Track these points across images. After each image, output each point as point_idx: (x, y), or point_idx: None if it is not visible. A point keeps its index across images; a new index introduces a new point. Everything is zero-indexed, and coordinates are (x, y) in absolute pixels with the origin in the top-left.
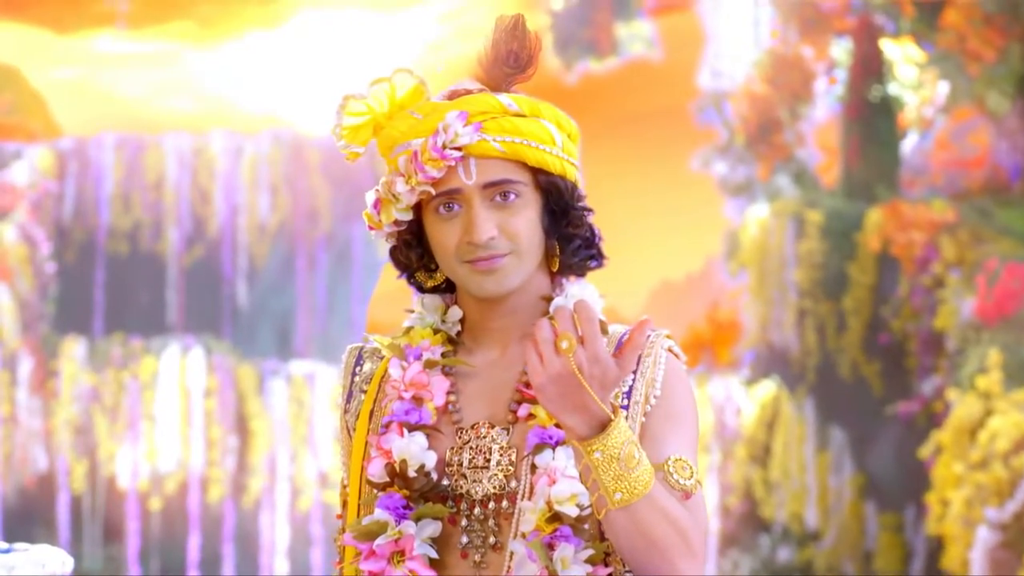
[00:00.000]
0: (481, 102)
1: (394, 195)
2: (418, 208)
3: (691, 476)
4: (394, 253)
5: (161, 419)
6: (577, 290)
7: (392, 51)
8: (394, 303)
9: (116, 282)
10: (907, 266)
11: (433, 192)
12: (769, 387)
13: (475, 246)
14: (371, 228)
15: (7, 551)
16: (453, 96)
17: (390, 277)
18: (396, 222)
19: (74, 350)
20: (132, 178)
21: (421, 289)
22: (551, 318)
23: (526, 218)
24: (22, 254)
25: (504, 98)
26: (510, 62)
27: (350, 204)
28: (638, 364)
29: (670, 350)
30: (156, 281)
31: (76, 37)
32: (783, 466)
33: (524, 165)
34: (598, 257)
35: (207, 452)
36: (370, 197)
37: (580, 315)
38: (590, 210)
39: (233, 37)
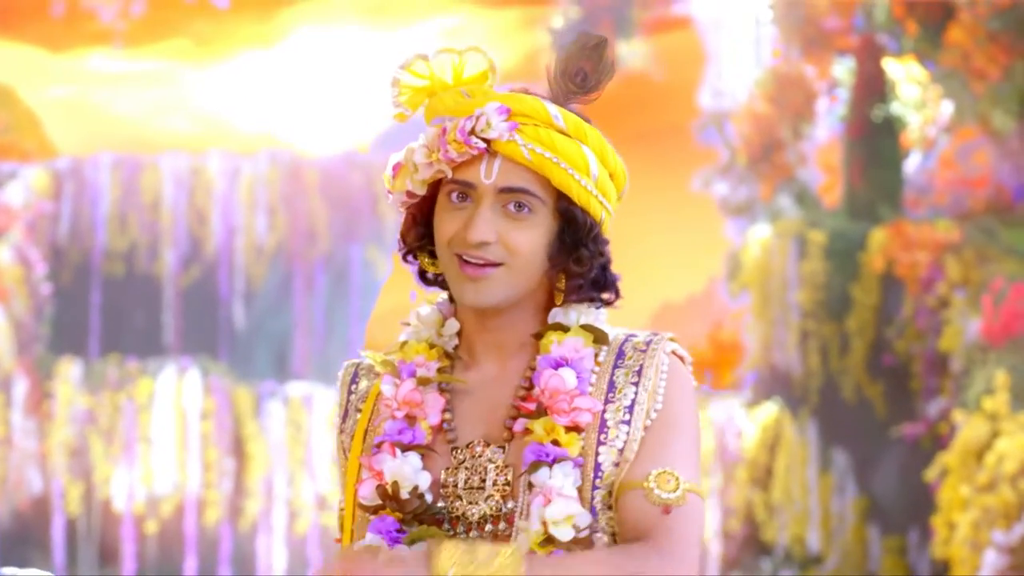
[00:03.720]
0: (528, 105)
1: (414, 164)
2: (435, 190)
3: (676, 488)
4: (402, 230)
5: (157, 441)
6: (577, 304)
7: (390, 69)
8: (392, 324)
9: (112, 303)
10: (911, 287)
11: (450, 174)
12: (771, 409)
13: (467, 243)
14: (389, 192)
15: None
16: (512, 91)
17: (388, 298)
18: (409, 193)
19: (70, 372)
20: (128, 199)
21: (423, 276)
22: None
23: (532, 236)
24: (17, 275)
25: (554, 110)
26: (577, 80)
27: (348, 225)
28: (640, 375)
29: (674, 353)
30: (152, 302)
31: (71, 56)
32: (785, 489)
33: (549, 184)
34: (600, 301)
35: (203, 475)
36: (393, 159)
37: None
38: (603, 254)
39: (229, 56)
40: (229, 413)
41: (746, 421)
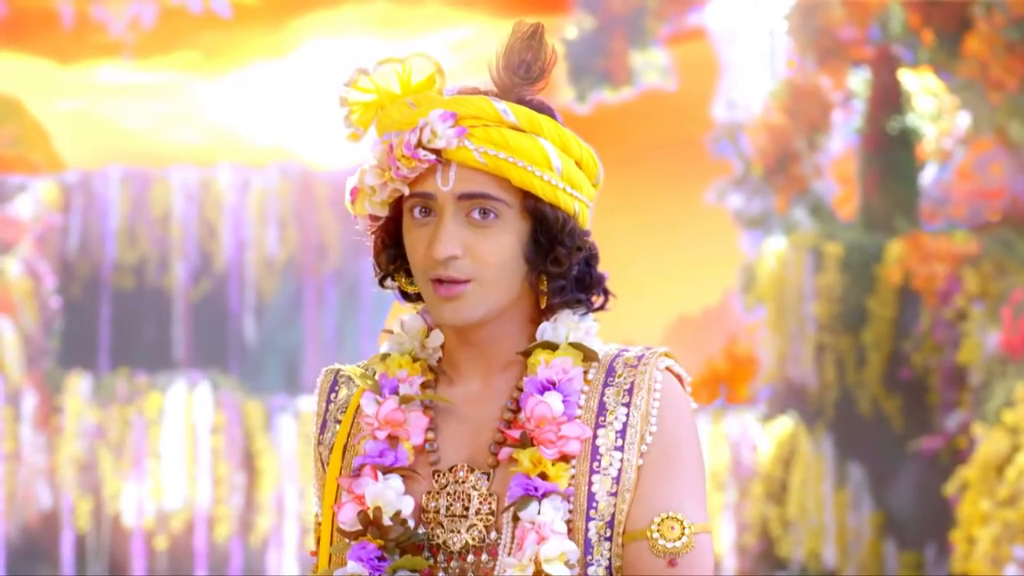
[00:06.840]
0: (475, 106)
1: (369, 186)
2: (399, 208)
3: (681, 534)
4: (374, 253)
5: (167, 456)
6: (567, 317)
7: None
8: None
9: (122, 317)
10: (928, 299)
11: (407, 191)
12: (786, 423)
13: (436, 262)
14: (355, 217)
15: None
16: (460, 93)
17: (400, 312)
18: (372, 216)
19: (79, 386)
20: (138, 212)
21: (404, 295)
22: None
23: (500, 243)
24: (26, 288)
25: (503, 106)
26: (520, 71)
27: (359, 238)
28: (631, 395)
29: (669, 369)
30: (162, 316)
31: (79, 68)
32: (800, 504)
33: (511, 185)
34: (588, 302)
35: (214, 490)
36: (350, 183)
37: None
38: (581, 248)
39: (239, 68)
40: (239, 427)
41: (761, 435)
